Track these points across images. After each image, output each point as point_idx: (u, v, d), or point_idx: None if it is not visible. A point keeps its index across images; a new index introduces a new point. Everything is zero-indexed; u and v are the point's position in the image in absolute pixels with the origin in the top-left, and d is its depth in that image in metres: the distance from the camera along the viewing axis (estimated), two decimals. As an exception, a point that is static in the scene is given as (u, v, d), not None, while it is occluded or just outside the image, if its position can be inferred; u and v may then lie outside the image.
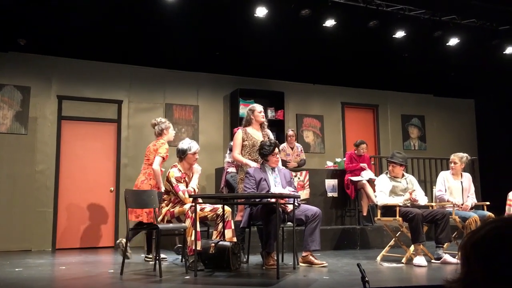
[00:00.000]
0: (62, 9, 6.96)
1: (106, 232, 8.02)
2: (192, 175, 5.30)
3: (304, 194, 7.30)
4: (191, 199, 4.89)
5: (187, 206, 4.99)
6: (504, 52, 8.99)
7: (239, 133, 5.56)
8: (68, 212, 7.82)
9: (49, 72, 8.00)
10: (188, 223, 4.85)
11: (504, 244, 0.84)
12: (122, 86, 8.42)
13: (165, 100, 8.69)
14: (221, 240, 4.93)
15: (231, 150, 6.83)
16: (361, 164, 7.51)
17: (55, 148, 7.86)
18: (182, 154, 5.21)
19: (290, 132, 8.08)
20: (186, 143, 5.24)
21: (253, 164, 5.25)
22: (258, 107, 5.70)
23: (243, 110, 8.79)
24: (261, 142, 5.35)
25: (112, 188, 8.09)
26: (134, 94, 8.50)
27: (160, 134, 5.99)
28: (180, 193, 5.02)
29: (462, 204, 5.81)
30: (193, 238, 4.70)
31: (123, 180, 8.14)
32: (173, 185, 5.05)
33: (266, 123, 5.73)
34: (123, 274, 4.60)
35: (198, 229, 4.76)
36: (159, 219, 5.09)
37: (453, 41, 8.59)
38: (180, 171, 5.16)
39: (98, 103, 8.22)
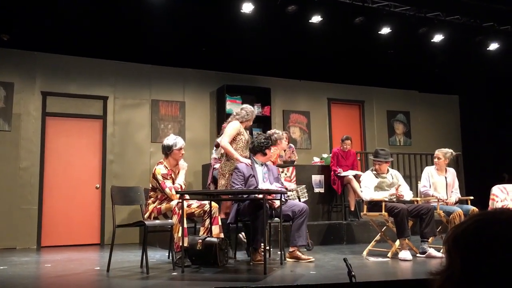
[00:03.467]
0: (46, 4, 6.87)
1: (92, 229, 7.96)
2: (178, 172, 5.28)
3: (291, 189, 7.32)
4: (178, 195, 4.88)
5: (174, 203, 4.97)
6: (487, 49, 9.10)
7: (236, 124, 5.52)
8: (53, 209, 7.74)
9: (33, 67, 7.90)
10: (175, 219, 4.84)
11: (483, 238, 0.86)
12: (107, 82, 8.35)
13: (151, 96, 8.65)
14: (208, 236, 4.93)
15: (217, 146, 6.83)
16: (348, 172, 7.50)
17: (40, 145, 7.77)
18: (167, 150, 5.18)
19: (284, 135, 8.05)
20: (171, 139, 5.20)
21: (245, 161, 5.25)
22: None
23: (229, 106, 8.78)
24: (256, 136, 5.36)
25: (97, 185, 8.03)
26: (119, 90, 8.43)
27: (274, 143, 6.25)
28: (167, 190, 5.00)
29: (446, 199, 5.89)
30: (180, 234, 4.69)
31: (109, 176, 8.08)
32: (160, 182, 5.03)
33: None
34: (110, 271, 4.58)
35: (185, 225, 4.75)
36: (146, 216, 5.07)
37: (438, 38, 8.67)
38: (166, 167, 5.13)
39: (83, 99, 8.14)
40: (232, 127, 5.48)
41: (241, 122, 5.59)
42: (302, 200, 6.42)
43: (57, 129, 7.96)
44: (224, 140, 5.45)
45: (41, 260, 6.04)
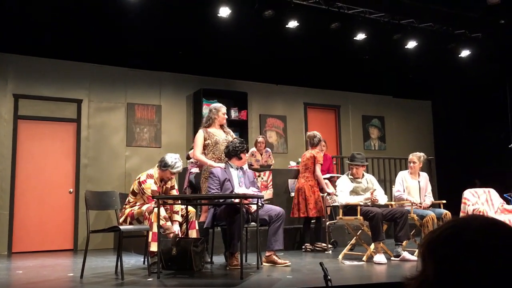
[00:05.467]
0: (19, 3, 6.74)
1: (65, 235, 7.81)
2: (165, 189, 5.19)
3: (268, 194, 7.34)
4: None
5: (145, 207, 4.93)
6: (459, 55, 9.33)
7: (200, 133, 5.50)
8: (25, 214, 7.57)
9: (5, 69, 7.73)
10: (146, 224, 4.80)
11: (456, 244, 0.88)
12: (82, 85, 8.23)
13: (126, 99, 8.55)
14: (183, 238, 4.89)
15: (187, 158, 6.82)
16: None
17: (11, 149, 7.59)
18: (163, 166, 5.07)
19: (260, 139, 8.06)
20: (173, 159, 5.05)
21: (218, 165, 5.25)
22: (223, 109, 5.65)
23: (206, 110, 8.74)
24: (231, 141, 5.33)
25: (71, 190, 7.89)
26: (94, 93, 8.31)
27: (316, 144, 6.74)
28: (152, 204, 4.88)
29: (420, 203, 5.99)
30: (149, 239, 4.67)
31: (83, 181, 7.96)
32: (147, 195, 4.96)
33: (225, 123, 5.72)
34: (84, 277, 4.50)
35: (155, 229, 4.68)
36: (121, 220, 5.01)
37: (412, 44, 8.84)
38: (156, 183, 5.06)
39: (56, 102, 7.99)
40: (197, 139, 5.47)
41: (208, 126, 5.55)
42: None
43: (30, 132, 7.80)
44: (195, 152, 5.47)
45: (12, 266, 5.90)
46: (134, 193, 5.09)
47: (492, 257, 0.86)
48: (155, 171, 5.14)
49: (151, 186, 5.00)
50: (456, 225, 0.92)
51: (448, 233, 0.91)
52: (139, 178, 5.10)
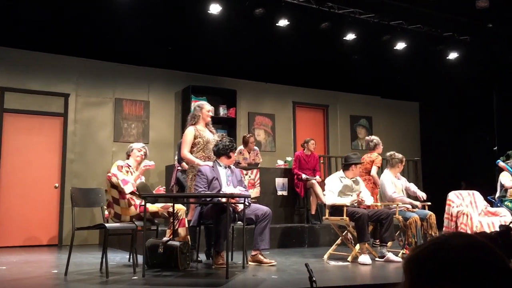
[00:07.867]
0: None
1: (50, 230, 7.75)
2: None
3: (255, 192, 7.35)
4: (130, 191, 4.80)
5: (160, 205, 5.00)
6: (447, 58, 9.42)
7: (190, 130, 5.43)
8: (10, 208, 7.49)
9: (-9, 62, 7.63)
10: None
11: (435, 263, 0.90)
12: (69, 79, 8.15)
13: (114, 94, 8.49)
14: (170, 239, 4.89)
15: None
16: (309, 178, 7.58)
17: (-4, 142, 7.51)
18: (129, 151, 5.23)
19: (252, 138, 8.08)
20: (135, 143, 5.40)
21: (205, 163, 5.23)
22: (207, 106, 5.62)
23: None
24: (220, 139, 5.31)
25: (56, 185, 7.82)
26: (82, 88, 8.24)
27: (373, 148, 6.98)
28: (114, 179, 4.81)
29: (423, 200, 6.08)
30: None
31: (69, 176, 7.89)
32: (112, 172, 4.88)
33: (210, 121, 5.70)
34: (68, 274, 4.47)
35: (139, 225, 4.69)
36: (127, 217, 4.94)
37: (400, 45, 8.91)
38: (121, 171, 4.99)
39: (43, 96, 7.91)
40: (187, 135, 5.42)
41: (195, 124, 5.52)
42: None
43: (16, 126, 7.71)
44: (183, 150, 5.41)
45: (-5, 262, 5.84)
46: (114, 186, 4.96)
47: (471, 276, 0.87)
48: (124, 162, 5.12)
49: (117, 163, 4.98)
50: (437, 243, 0.94)
51: (428, 251, 0.93)
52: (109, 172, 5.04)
